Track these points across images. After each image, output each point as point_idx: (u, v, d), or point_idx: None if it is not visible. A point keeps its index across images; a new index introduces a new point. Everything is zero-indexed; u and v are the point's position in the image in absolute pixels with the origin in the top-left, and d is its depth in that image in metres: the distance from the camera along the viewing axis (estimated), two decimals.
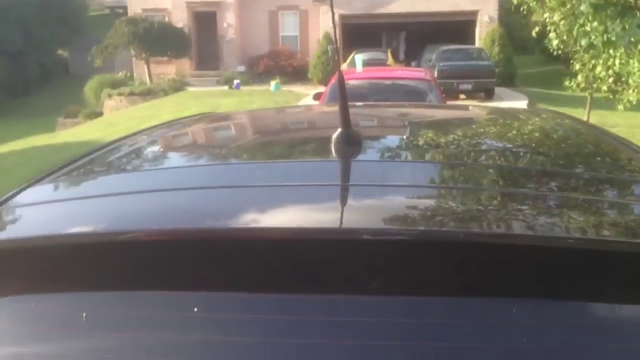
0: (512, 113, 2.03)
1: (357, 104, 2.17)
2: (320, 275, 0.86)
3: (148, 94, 20.01)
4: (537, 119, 1.81)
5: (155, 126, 1.85)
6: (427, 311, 0.85)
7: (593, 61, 9.11)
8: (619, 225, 0.94)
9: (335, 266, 0.86)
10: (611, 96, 9.57)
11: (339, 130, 1.14)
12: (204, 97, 17.54)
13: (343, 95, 1.14)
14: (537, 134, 1.60)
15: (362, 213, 0.96)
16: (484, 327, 0.83)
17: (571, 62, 10.40)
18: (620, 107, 9.01)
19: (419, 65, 18.68)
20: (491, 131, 1.69)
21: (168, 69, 22.60)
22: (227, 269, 0.87)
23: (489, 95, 16.24)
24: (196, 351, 0.85)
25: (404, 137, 1.59)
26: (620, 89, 9.12)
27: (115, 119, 17.35)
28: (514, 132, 1.63)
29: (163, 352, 0.85)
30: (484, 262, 0.85)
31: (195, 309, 0.87)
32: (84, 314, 0.88)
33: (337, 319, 0.85)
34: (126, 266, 0.90)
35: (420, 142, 1.48)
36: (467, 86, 15.87)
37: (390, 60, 19.98)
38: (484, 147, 1.43)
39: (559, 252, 0.84)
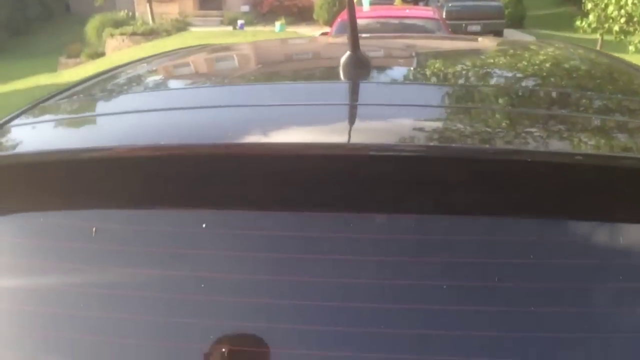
0: (523, 43, 2.00)
1: (366, 35, 2.13)
2: (327, 192, 0.86)
3: (151, 34, 19.62)
4: (549, 47, 1.77)
5: (160, 54, 1.82)
6: (434, 228, 0.86)
7: (605, 0, 8.90)
8: (630, 145, 0.93)
9: (342, 183, 0.86)
10: (622, 37, 9.38)
11: (348, 53, 1.13)
12: (208, 37, 17.19)
13: (352, 19, 1.12)
14: (549, 60, 1.57)
15: (369, 131, 0.96)
16: (491, 244, 0.84)
17: (583, 1, 10.15)
18: (632, 48, 8.85)
19: (427, 6, 18.24)
20: (501, 56, 1.66)
21: (170, 8, 22.06)
22: (236, 186, 0.87)
23: (498, 36, 15.88)
24: (204, 266, 0.86)
25: (413, 61, 1.57)
26: (632, 29, 8.93)
27: (118, 59, 17.07)
28: (525, 57, 1.61)
29: (172, 267, 0.86)
30: (491, 179, 0.84)
31: (204, 225, 0.87)
32: (94, 229, 0.89)
33: (344, 236, 0.86)
34: (136, 182, 0.90)
35: (429, 66, 1.46)
36: (476, 27, 15.48)
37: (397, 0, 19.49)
38: (493, 71, 1.41)
39: (565, 169, 0.84)
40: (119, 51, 19.29)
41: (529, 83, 1.30)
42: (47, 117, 1.18)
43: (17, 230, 0.93)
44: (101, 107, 1.25)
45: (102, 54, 20.45)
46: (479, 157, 0.86)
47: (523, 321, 0.80)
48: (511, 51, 1.74)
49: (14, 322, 0.89)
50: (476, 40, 2.49)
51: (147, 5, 21.67)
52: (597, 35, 10.92)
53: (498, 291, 0.82)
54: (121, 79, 1.43)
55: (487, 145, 0.89)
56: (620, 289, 0.82)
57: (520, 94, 1.19)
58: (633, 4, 8.01)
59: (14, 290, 0.91)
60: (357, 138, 0.91)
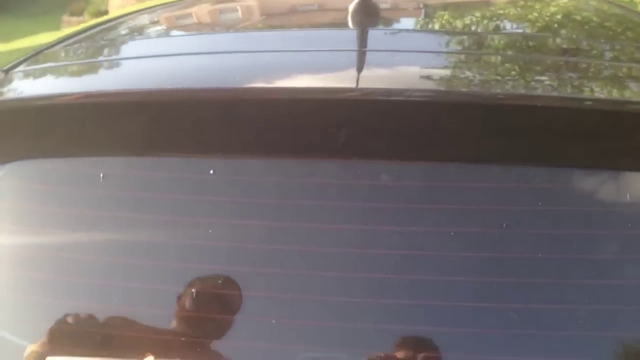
0: None
1: None
2: (335, 139, 0.85)
3: None
4: None
5: (164, 3, 1.79)
6: (442, 175, 0.85)
7: None
8: None
9: (351, 129, 0.85)
10: None
11: (356, 0, 1.11)
12: None
13: None
14: (560, 10, 1.54)
15: (378, 76, 0.94)
16: (499, 191, 0.84)
17: None
18: None
19: None
20: (513, 5, 1.63)
21: None
22: (243, 132, 0.87)
23: None
24: (213, 213, 0.86)
25: (423, 8, 1.54)
26: None
27: None
28: (536, 7, 1.57)
29: (180, 213, 0.86)
30: (500, 125, 0.84)
31: (212, 171, 0.87)
32: (102, 175, 0.88)
33: (352, 183, 0.86)
34: (144, 127, 0.89)
35: (440, 14, 1.43)
36: None
37: None
38: (504, 19, 1.38)
39: (574, 114, 0.82)
40: (122, 9, 19.04)
41: (539, 31, 1.27)
42: (51, 63, 1.16)
43: (25, 176, 0.93)
44: (106, 53, 1.23)
45: (105, 12, 20.18)
46: (487, 102, 0.85)
47: (531, 268, 0.80)
48: (522, 1, 1.70)
49: (22, 266, 0.90)
50: None
51: None
52: None
53: (506, 238, 0.81)
54: (125, 27, 1.41)
55: (496, 90, 0.88)
56: (630, 236, 0.81)
57: (530, 41, 1.17)
58: None
59: (22, 236, 0.91)
60: (366, 83, 0.90)
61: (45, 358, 0.82)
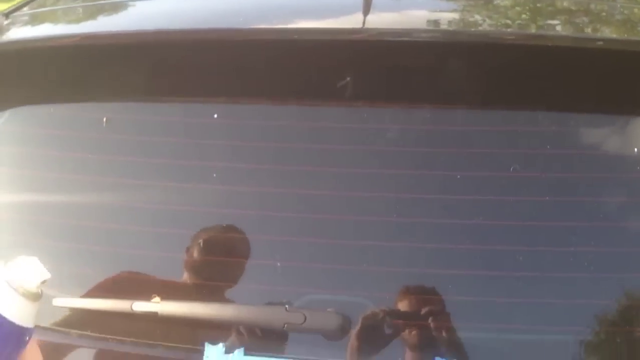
0: None
1: None
2: (341, 81, 0.84)
3: None
4: None
5: None
6: (448, 119, 0.84)
7: None
8: None
9: (356, 71, 0.84)
10: None
11: None
12: None
13: None
14: None
15: (384, 17, 0.92)
16: (507, 134, 0.82)
17: None
18: None
19: None
20: None
21: None
22: (247, 75, 0.85)
23: None
24: (216, 156, 0.86)
25: None
26: None
27: None
28: None
29: (182, 156, 0.86)
30: (509, 67, 0.82)
31: (215, 115, 0.86)
32: (104, 119, 0.88)
33: (357, 127, 0.85)
34: (147, 71, 0.88)
35: None
36: None
37: None
38: None
39: (583, 54, 0.80)
40: None
41: None
42: (52, 6, 1.14)
43: (28, 121, 0.92)
44: None
45: None
46: (492, 43, 0.83)
47: (538, 210, 0.79)
48: None
49: (26, 210, 0.90)
50: None
51: None
52: None
53: (513, 181, 0.81)
54: None
55: (503, 30, 0.86)
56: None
57: None
58: None
59: (26, 179, 0.91)
60: (372, 24, 0.88)
61: (51, 300, 0.82)
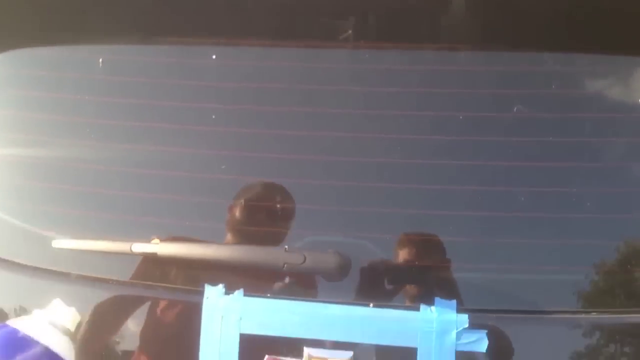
0: None
1: None
2: (342, 25, 0.82)
3: None
4: None
5: None
6: (450, 59, 0.83)
7: None
8: None
9: (354, 13, 0.81)
10: None
11: None
12: None
13: None
14: None
15: None
16: (510, 75, 0.81)
17: None
18: None
19: None
20: None
21: None
22: (246, 16, 0.83)
23: None
24: (215, 98, 0.85)
25: None
26: None
27: None
28: None
29: (181, 98, 0.85)
30: (514, 4, 0.80)
31: (214, 56, 0.84)
32: (100, 60, 0.86)
33: (356, 67, 0.83)
34: (143, 12, 0.86)
35: None
36: None
37: None
38: None
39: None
40: None
41: None
42: None
43: (26, 62, 0.90)
44: None
45: None
46: None
47: (542, 151, 0.79)
48: None
49: (24, 152, 0.89)
50: None
51: None
52: None
53: (516, 121, 0.80)
54: None
55: None
56: None
57: None
58: None
59: (23, 122, 0.90)
60: None
61: (50, 242, 0.82)
